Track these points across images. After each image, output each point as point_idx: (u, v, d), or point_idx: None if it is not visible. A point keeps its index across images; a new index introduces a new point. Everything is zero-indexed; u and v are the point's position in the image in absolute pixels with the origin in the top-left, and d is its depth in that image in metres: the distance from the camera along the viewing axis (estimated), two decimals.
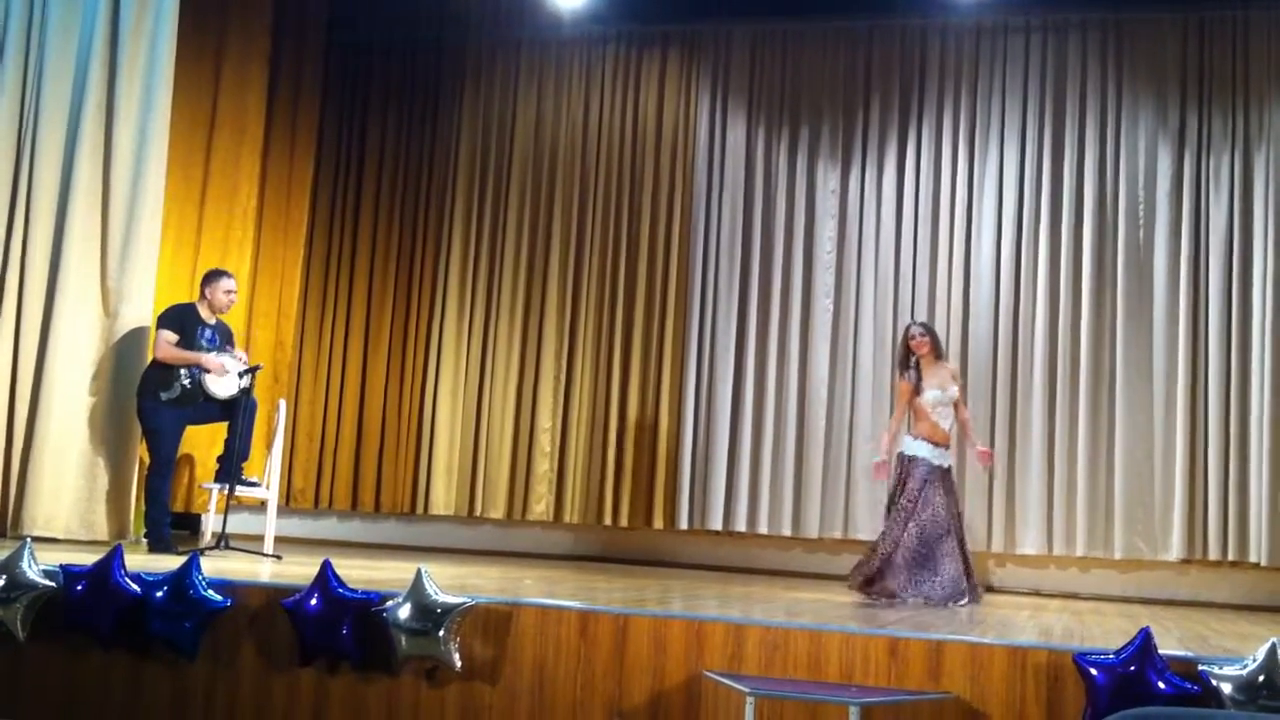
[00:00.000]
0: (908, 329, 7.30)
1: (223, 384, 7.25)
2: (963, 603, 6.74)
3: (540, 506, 10.10)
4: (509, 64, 10.76)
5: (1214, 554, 8.93)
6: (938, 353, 7.22)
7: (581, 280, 10.33)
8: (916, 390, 7.10)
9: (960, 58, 9.93)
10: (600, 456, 10.06)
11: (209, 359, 7.23)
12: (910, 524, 6.87)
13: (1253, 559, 8.85)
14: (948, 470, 7.07)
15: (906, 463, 7.03)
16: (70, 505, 7.33)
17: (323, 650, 4.62)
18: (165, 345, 7.21)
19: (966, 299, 9.59)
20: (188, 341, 7.26)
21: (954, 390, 7.14)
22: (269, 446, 7.77)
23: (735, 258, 10.09)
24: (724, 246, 10.13)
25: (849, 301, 9.84)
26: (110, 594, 4.74)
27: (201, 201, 8.92)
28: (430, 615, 4.47)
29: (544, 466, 10.14)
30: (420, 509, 10.32)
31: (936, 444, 7.03)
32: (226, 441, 7.41)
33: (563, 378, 10.23)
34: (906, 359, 7.19)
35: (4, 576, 4.79)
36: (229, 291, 7.47)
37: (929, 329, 7.27)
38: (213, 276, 7.55)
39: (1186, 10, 9.50)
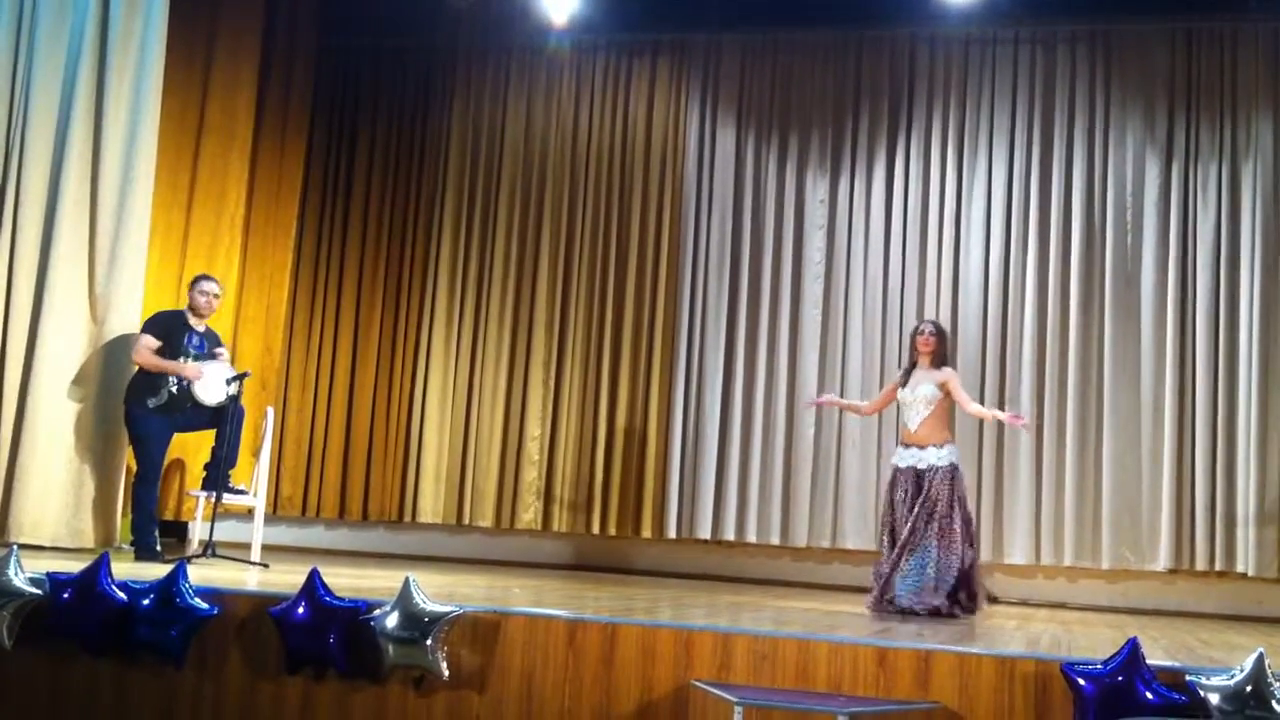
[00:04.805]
0: (918, 326, 7.06)
1: (210, 390, 7.19)
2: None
3: (528, 515, 10.08)
4: (499, 71, 10.75)
5: (1201, 564, 8.95)
6: (940, 358, 6.92)
7: (570, 288, 10.33)
8: (901, 385, 6.93)
9: (949, 68, 9.95)
10: (589, 465, 10.04)
11: (186, 367, 7.17)
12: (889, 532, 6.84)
13: (1240, 569, 8.87)
14: (909, 469, 6.76)
15: (893, 474, 6.93)
16: (57, 512, 7.28)
17: (310, 659, 4.60)
18: (144, 350, 7.15)
19: (955, 309, 9.60)
20: (173, 348, 7.20)
21: (926, 389, 6.77)
22: (256, 454, 7.75)
23: (724, 267, 10.10)
24: (713, 255, 10.13)
25: (838, 311, 9.85)
26: (97, 601, 4.73)
27: (189, 207, 8.86)
28: (418, 624, 4.47)
29: (532, 475, 10.13)
30: (408, 517, 10.28)
31: (907, 445, 6.84)
32: (214, 449, 7.36)
33: (551, 386, 10.22)
34: (911, 361, 6.96)
35: None
36: (204, 293, 7.37)
37: (938, 332, 6.98)
38: (195, 281, 7.51)
39: (1174, 22, 9.54)
